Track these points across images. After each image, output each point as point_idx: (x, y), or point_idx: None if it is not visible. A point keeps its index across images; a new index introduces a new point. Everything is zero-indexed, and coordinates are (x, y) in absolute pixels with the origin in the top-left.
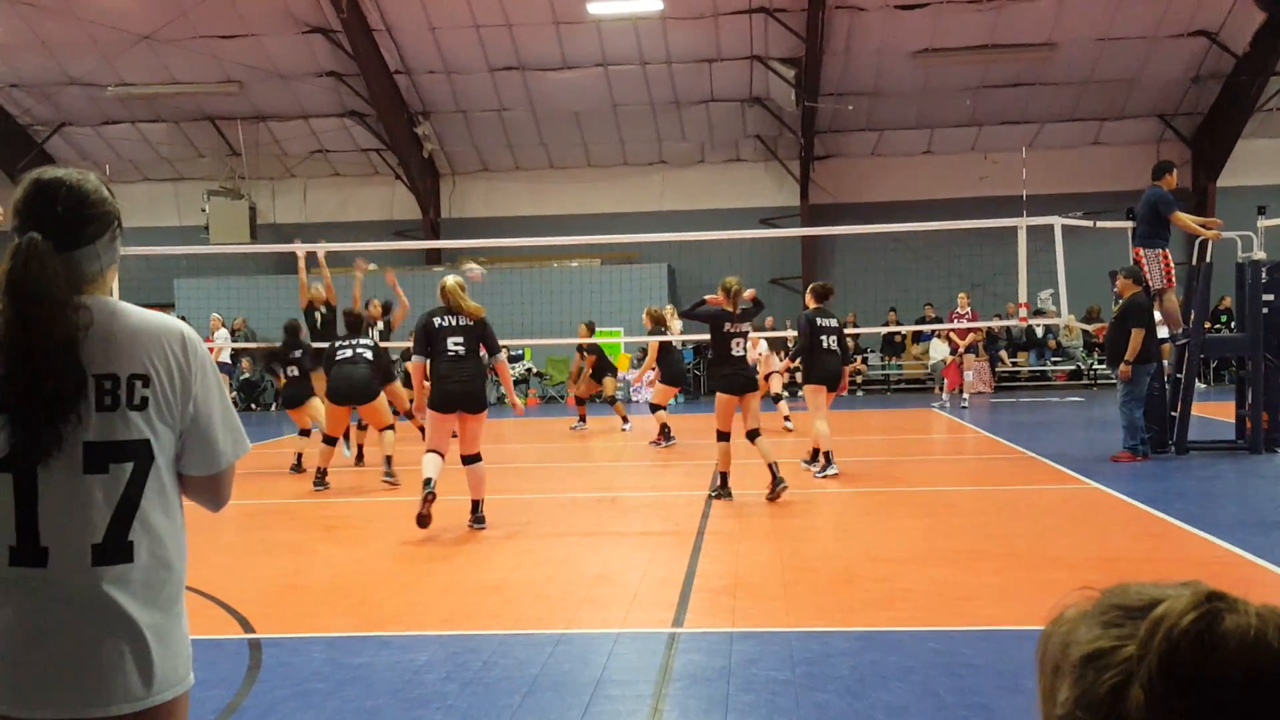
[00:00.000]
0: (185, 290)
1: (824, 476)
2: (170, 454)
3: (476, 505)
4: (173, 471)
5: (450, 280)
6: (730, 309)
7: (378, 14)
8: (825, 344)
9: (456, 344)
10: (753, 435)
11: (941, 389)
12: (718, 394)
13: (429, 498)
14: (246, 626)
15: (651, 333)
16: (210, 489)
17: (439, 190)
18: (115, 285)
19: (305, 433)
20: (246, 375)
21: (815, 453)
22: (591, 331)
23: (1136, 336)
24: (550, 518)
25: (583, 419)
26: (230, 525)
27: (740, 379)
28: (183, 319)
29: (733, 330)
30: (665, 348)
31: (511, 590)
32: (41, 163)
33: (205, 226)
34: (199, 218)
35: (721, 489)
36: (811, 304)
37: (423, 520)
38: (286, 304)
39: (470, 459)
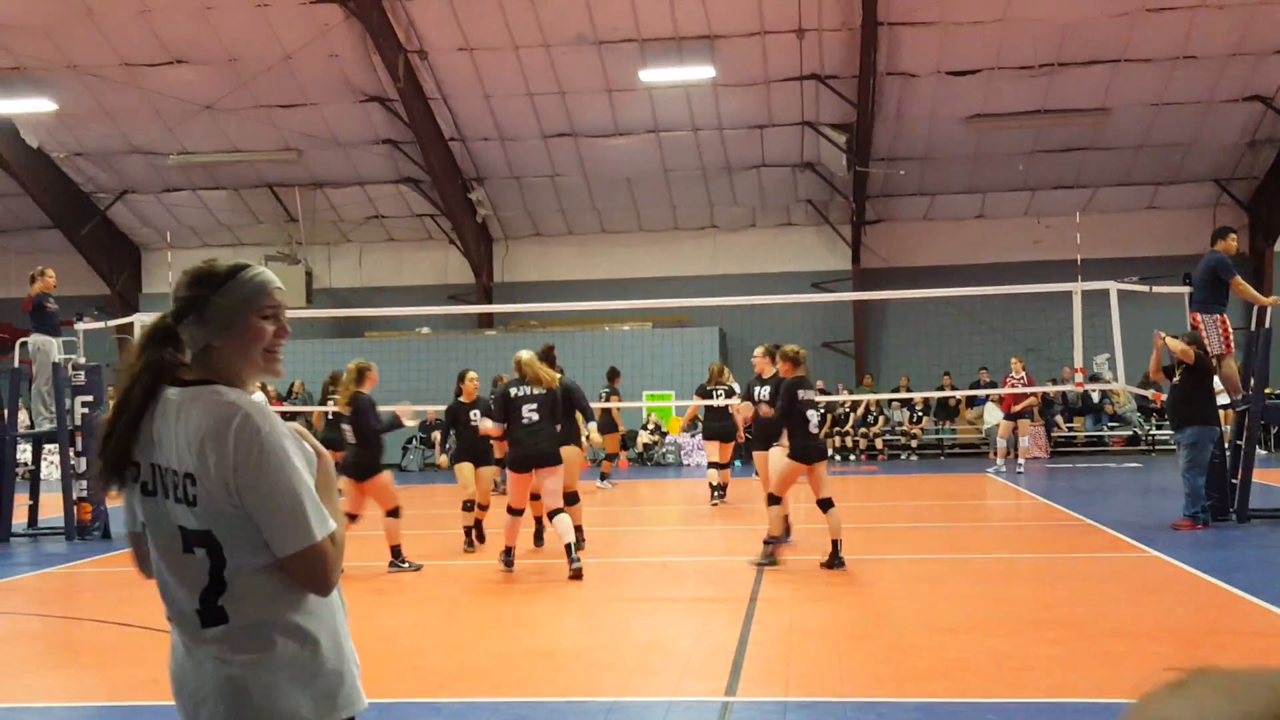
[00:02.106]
0: None
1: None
2: (241, 536)
3: (569, 548)
4: (256, 552)
5: (525, 354)
6: (802, 375)
7: (433, 83)
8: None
9: (531, 410)
10: (825, 505)
11: (996, 454)
12: (789, 460)
13: (509, 564)
14: None
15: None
16: (296, 571)
17: (492, 254)
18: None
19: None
20: None
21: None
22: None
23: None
24: (601, 582)
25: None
26: None
27: (812, 449)
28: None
29: (807, 399)
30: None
31: (563, 656)
32: (103, 229)
33: None
34: None
35: (769, 556)
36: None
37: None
38: (342, 367)
39: (554, 513)
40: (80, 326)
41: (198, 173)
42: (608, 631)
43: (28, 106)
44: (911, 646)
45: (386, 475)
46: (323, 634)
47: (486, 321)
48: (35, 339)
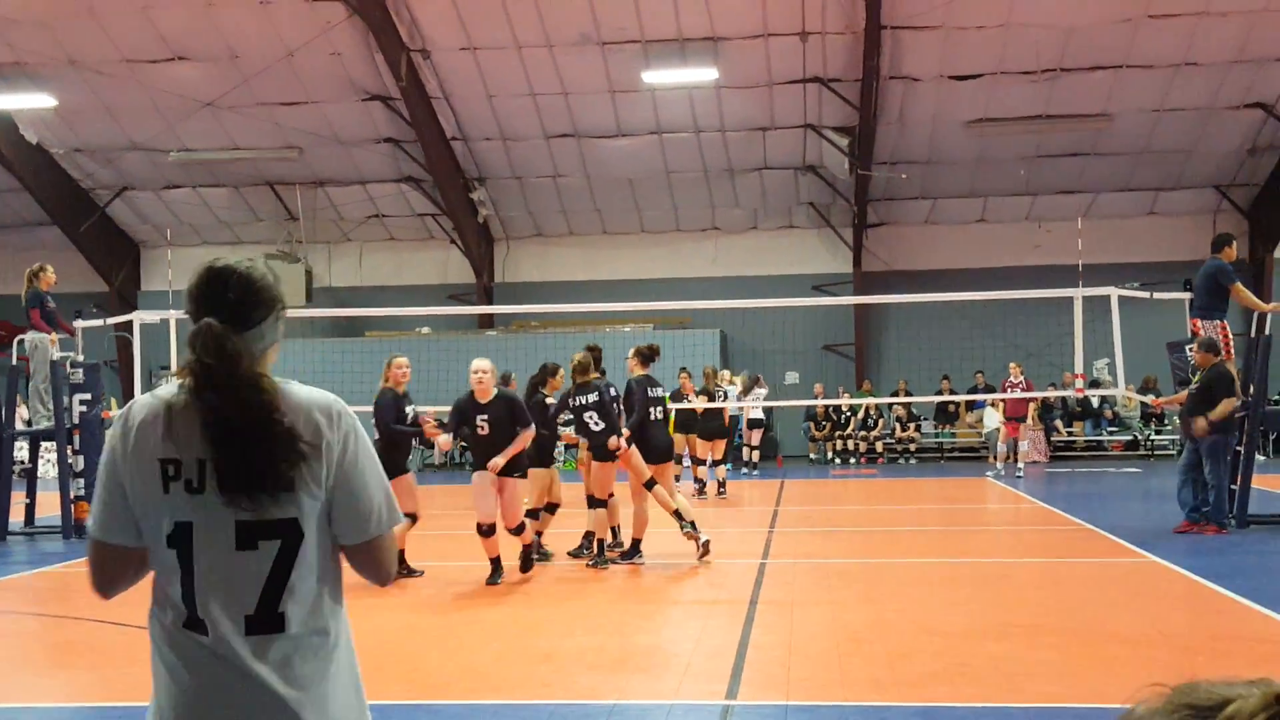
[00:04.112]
0: None
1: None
2: (320, 525)
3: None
4: (327, 541)
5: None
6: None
7: (436, 82)
8: (652, 415)
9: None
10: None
11: (995, 458)
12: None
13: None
14: None
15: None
16: (365, 558)
17: (493, 255)
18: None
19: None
20: None
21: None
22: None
23: (1226, 405)
24: (602, 584)
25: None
26: None
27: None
28: None
29: (578, 404)
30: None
31: (563, 659)
32: (103, 225)
33: None
34: None
35: (598, 556)
36: (639, 370)
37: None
38: (342, 366)
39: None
40: (79, 324)
41: (198, 170)
42: (608, 634)
43: (27, 102)
44: (911, 651)
45: (410, 478)
46: (350, 645)
47: (487, 322)
48: (32, 336)
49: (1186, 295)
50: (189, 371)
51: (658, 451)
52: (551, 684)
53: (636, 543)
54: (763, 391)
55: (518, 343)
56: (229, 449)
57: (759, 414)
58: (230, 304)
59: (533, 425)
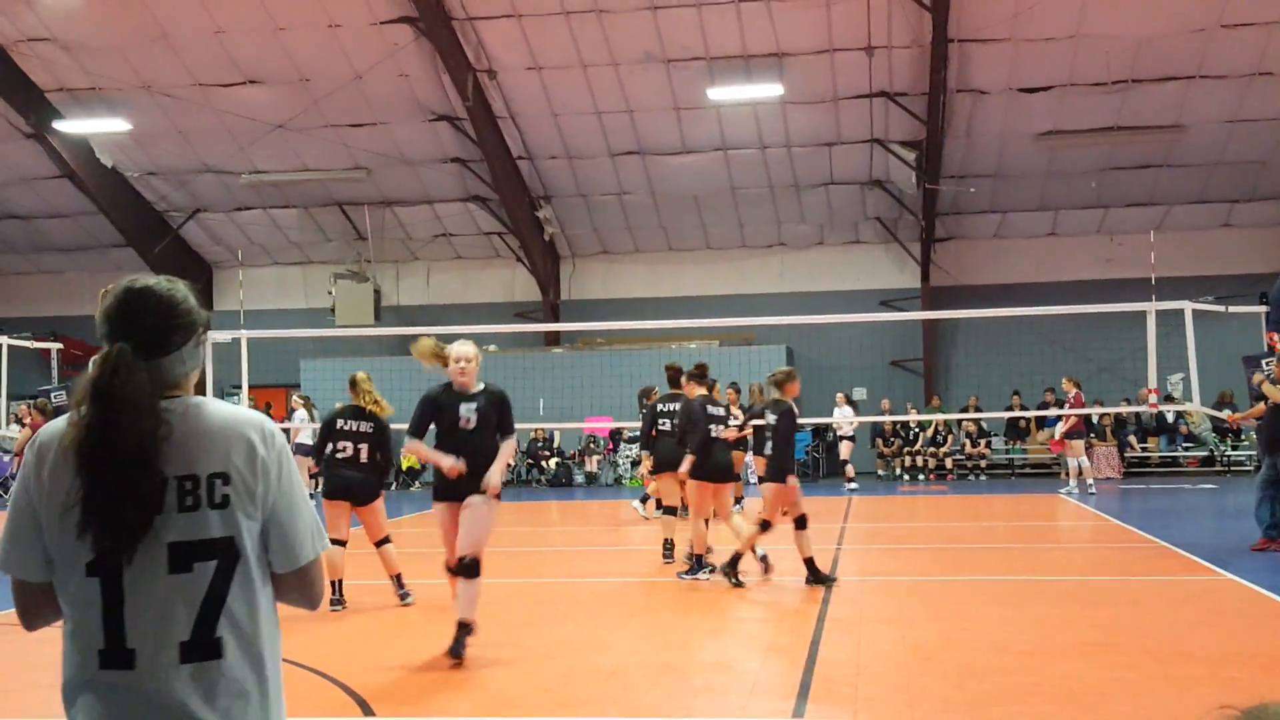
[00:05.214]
0: (311, 371)
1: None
2: (258, 547)
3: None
4: (263, 566)
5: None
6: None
7: (502, 102)
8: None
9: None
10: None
11: (1067, 474)
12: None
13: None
14: (365, 709)
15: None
16: (297, 586)
17: (559, 272)
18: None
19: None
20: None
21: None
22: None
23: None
24: (668, 600)
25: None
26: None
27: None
28: (306, 399)
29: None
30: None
31: (630, 675)
32: (176, 247)
33: (331, 309)
34: (325, 300)
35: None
36: (698, 389)
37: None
38: (409, 385)
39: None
40: None
41: (269, 191)
42: (674, 650)
43: (103, 126)
44: (983, 670)
45: (381, 499)
46: (280, 676)
47: (553, 339)
48: None
49: (1263, 309)
50: (85, 395)
51: (718, 471)
52: (618, 700)
53: (698, 558)
54: (849, 409)
55: (584, 360)
56: (97, 479)
57: (848, 430)
58: (148, 328)
59: (515, 436)
